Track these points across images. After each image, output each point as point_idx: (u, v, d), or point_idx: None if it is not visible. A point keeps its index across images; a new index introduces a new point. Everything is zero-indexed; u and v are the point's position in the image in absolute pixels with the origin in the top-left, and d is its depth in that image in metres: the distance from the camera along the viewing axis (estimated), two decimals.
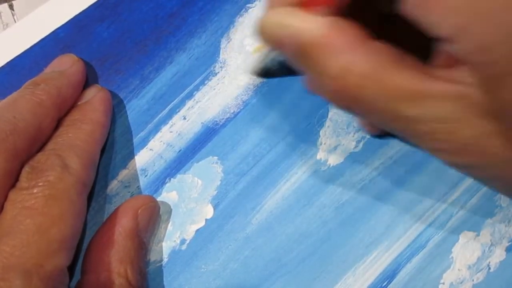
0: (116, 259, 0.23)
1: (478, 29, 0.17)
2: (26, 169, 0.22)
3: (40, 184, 0.21)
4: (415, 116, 0.19)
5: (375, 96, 0.20)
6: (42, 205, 0.21)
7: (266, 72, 0.27)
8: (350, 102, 0.20)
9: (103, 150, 0.26)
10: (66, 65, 0.25)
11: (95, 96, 0.25)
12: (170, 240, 0.25)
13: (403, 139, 0.22)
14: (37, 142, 0.23)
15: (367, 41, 0.20)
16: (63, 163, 0.22)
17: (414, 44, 0.20)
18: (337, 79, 0.20)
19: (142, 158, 0.26)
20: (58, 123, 0.24)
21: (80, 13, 0.27)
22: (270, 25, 0.22)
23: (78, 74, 0.25)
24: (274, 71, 0.26)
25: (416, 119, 0.19)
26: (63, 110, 0.24)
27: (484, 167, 0.20)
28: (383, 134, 0.26)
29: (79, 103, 0.25)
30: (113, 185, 0.26)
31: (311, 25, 0.20)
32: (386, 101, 0.20)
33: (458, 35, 0.17)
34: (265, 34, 0.22)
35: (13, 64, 0.26)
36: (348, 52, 0.20)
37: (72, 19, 0.27)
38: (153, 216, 0.25)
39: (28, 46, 0.27)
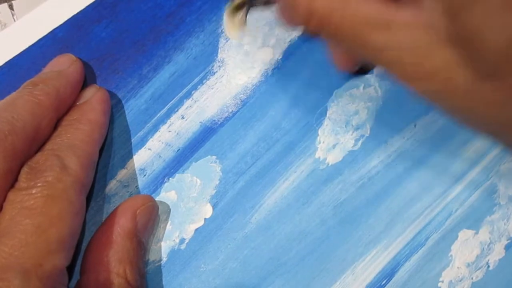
0: (115, 259, 0.23)
1: None
2: (25, 169, 0.22)
3: (39, 184, 0.21)
4: (382, 43, 0.20)
5: (342, 22, 0.20)
6: (41, 205, 0.21)
7: (241, 6, 0.27)
8: (320, 28, 0.21)
9: (101, 150, 0.26)
10: (65, 65, 0.25)
11: (93, 96, 0.25)
12: (169, 239, 0.25)
13: (376, 69, 0.23)
14: (35, 142, 0.23)
15: None
16: (61, 163, 0.22)
17: None
18: (306, 3, 0.20)
19: (140, 158, 0.26)
20: (56, 123, 0.24)
21: (78, 13, 0.27)
22: None
23: (76, 74, 0.25)
24: (249, 3, 0.26)
25: (384, 46, 0.20)
26: (62, 110, 0.24)
27: (450, 95, 0.20)
28: (358, 70, 0.26)
29: (77, 103, 0.25)
30: (112, 185, 0.26)
31: None
32: (354, 28, 0.20)
33: None
34: None
35: (11, 64, 0.26)
36: None
37: (70, 19, 0.27)
38: (152, 216, 0.25)
39: (26, 46, 0.26)
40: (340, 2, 0.20)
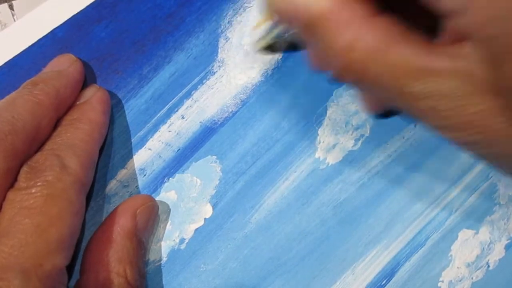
0: (115, 259, 0.23)
1: (483, 3, 0.17)
2: (24, 169, 0.22)
3: (38, 184, 0.21)
4: (419, 92, 0.19)
5: (380, 71, 0.20)
6: (40, 205, 0.21)
7: (268, 48, 0.27)
8: (356, 77, 0.21)
9: (101, 150, 0.26)
10: (65, 65, 0.25)
11: (93, 96, 0.25)
12: (169, 239, 0.25)
13: (408, 116, 0.23)
14: (35, 142, 0.23)
15: (373, 16, 0.20)
16: (61, 163, 0.22)
17: (421, 20, 0.20)
18: (343, 53, 0.20)
19: (140, 158, 0.26)
20: (56, 123, 0.24)
21: (78, 13, 0.27)
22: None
23: (76, 74, 0.25)
24: (277, 47, 0.26)
25: (421, 95, 0.19)
26: (62, 110, 0.24)
27: (488, 143, 0.20)
28: (386, 113, 0.26)
29: (77, 102, 0.25)
30: (112, 185, 0.26)
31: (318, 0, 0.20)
32: (391, 77, 0.20)
33: (463, 9, 0.18)
34: (274, 5, 0.22)
35: (11, 64, 0.26)
36: (354, 27, 0.20)
37: (70, 19, 0.27)
38: (152, 216, 0.25)
39: (26, 46, 0.26)
40: (379, 50, 0.19)
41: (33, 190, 0.21)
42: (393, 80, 0.20)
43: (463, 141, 0.20)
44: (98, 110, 0.25)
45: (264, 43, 0.26)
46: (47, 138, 0.23)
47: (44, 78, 0.24)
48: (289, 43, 0.25)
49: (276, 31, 0.26)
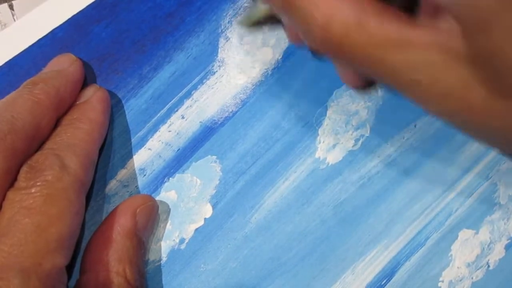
0: (115, 258, 0.23)
1: None
2: (24, 168, 0.22)
3: (38, 183, 0.21)
4: (399, 63, 0.20)
5: (360, 44, 0.20)
6: (40, 204, 0.21)
7: (254, 22, 0.26)
8: (336, 50, 0.21)
9: (101, 150, 0.26)
10: (65, 64, 0.25)
11: (93, 95, 0.25)
12: (169, 239, 0.25)
13: (388, 89, 0.23)
14: (35, 142, 0.23)
15: None
16: (61, 162, 0.22)
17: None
18: (321, 27, 0.20)
19: (140, 158, 0.26)
20: (56, 123, 0.24)
21: (78, 13, 0.27)
22: None
23: (76, 74, 0.25)
24: (262, 21, 0.26)
25: (401, 66, 0.20)
26: (62, 110, 0.24)
27: (468, 114, 0.20)
28: (366, 86, 0.26)
29: (77, 102, 0.25)
30: (112, 184, 0.26)
31: None
32: (370, 49, 0.20)
33: None
34: None
35: (11, 64, 0.26)
36: (330, 1, 0.20)
37: (70, 19, 0.27)
38: (151, 215, 0.25)
39: (26, 46, 0.26)
40: (357, 24, 0.20)
41: (33, 190, 0.21)
42: (372, 51, 0.20)
43: (442, 112, 0.21)
44: (98, 110, 0.25)
45: (249, 17, 0.26)
46: (47, 137, 0.23)
47: (44, 77, 0.24)
48: (271, 16, 0.25)
49: (258, 5, 0.25)
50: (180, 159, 0.26)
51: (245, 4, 0.27)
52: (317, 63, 0.27)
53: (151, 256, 0.25)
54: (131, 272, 0.23)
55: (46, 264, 0.20)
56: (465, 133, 0.22)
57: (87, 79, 0.26)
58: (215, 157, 0.26)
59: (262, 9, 0.25)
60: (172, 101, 0.27)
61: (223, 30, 0.27)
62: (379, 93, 0.27)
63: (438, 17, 0.19)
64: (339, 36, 0.20)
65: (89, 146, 0.24)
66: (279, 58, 0.27)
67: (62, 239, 0.21)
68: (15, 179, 0.22)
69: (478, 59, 0.18)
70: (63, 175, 0.22)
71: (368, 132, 0.26)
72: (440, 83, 0.19)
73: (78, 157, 0.23)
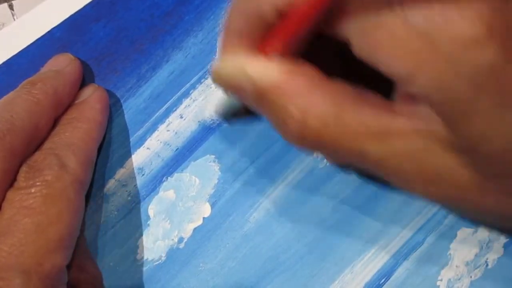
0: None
1: (433, 69, 0.17)
2: (23, 168, 0.22)
3: (37, 183, 0.21)
4: (380, 153, 0.19)
5: (338, 137, 0.19)
6: (40, 204, 0.21)
7: (231, 114, 0.26)
8: (315, 145, 0.20)
9: (100, 149, 0.26)
10: (63, 64, 0.25)
11: (92, 95, 0.25)
12: (168, 238, 0.25)
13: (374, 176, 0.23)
14: (34, 141, 0.23)
15: (324, 82, 0.20)
16: (60, 162, 0.22)
17: (375, 79, 0.19)
18: (297, 123, 0.20)
19: (139, 157, 0.26)
20: (55, 122, 0.24)
21: (76, 13, 0.27)
22: (225, 72, 0.22)
23: (74, 73, 0.25)
24: (238, 113, 0.26)
25: (382, 156, 0.19)
26: (60, 109, 0.24)
27: (458, 197, 0.20)
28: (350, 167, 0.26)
29: (76, 102, 0.25)
30: (110, 184, 0.26)
31: (265, 71, 0.20)
32: (350, 141, 0.19)
33: (413, 75, 0.17)
34: (221, 81, 0.22)
35: (9, 63, 0.26)
36: (305, 96, 0.19)
37: (68, 18, 0.27)
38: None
39: (24, 46, 0.27)
40: (334, 116, 0.19)
41: (33, 190, 0.21)
42: (351, 144, 0.19)
43: (435, 197, 0.21)
44: (97, 109, 0.25)
45: (225, 109, 0.26)
46: (46, 137, 0.23)
47: (43, 77, 0.24)
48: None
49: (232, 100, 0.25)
50: (179, 159, 0.26)
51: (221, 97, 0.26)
52: None
53: (150, 256, 0.25)
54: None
55: (47, 264, 0.20)
56: (462, 215, 0.22)
57: (85, 78, 0.26)
58: (213, 156, 0.26)
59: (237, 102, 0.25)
60: (170, 101, 0.27)
61: (222, 29, 0.27)
62: None
63: (415, 101, 0.18)
64: (317, 130, 0.20)
65: (88, 145, 0.24)
66: None
67: (62, 239, 0.21)
68: (14, 179, 0.22)
69: (461, 146, 0.18)
70: (62, 175, 0.22)
71: None
72: (426, 170, 0.19)
73: (77, 157, 0.23)
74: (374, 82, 0.20)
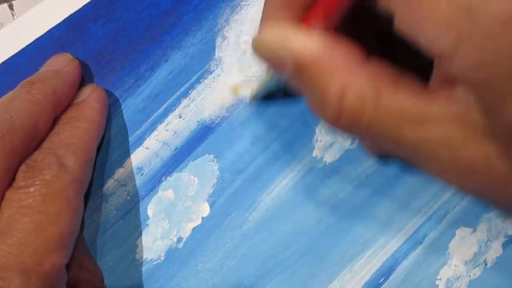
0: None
1: (473, 46, 0.16)
2: (22, 168, 0.22)
3: (37, 183, 0.21)
4: (416, 139, 0.19)
5: (373, 118, 0.19)
6: (39, 203, 0.21)
7: (266, 96, 0.26)
8: (349, 124, 0.20)
9: (99, 149, 0.26)
10: (62, 64, 0.25)
11: (90, 94, 0.25)
12: (167, 238, 0.25)
13: (407, 163, 0.22)
14: (33, 141, 0.23)
15: (364, 61, 0.19)
16: (59, 161, 0.22)
17: (414, 60, 0.19)
18: (335, 100, 0.19)
19: (138, 157, 0.26)
20: (54, 122, 0.24)
21: (75, 12, 0.27)
22: (266, 44, 0.21)
23: (73, 73, 0.25)
24: (275, 93, 0.26)
25: (418, 141, 0.19)
26: (59, 109, 0.24)
27: (491, 189, 0.19)
28: (386, 156, 0.26)
29: (75, 101, 0.25)
30: (110, 184, 0.26)
31: (307, 45, 0.20)
32: (384, 124, 0.19)
33: (454, 52, 0.17)
34: (262, 53, 0.22)
35: (8, 63, 0.26)
36: (345, 73, 0.19)
37: (67, 18, 0.27)
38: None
39: (23, 46, 0.27)
40: (372, 97, 0.19)
41: (32, 189, 0.21)
42: (387, 127, 0.19)
43: (468, 187, 0.20)
44: (96, 109, 0.25)
45: (261, 91, 0.26)
46: (45, 137, 0.23)
47: (41, 77, 0.24)
48: (286, 88, 0.25)
49: (270, 78, 0.25)
50: (178, 158, 0.26)
51: (256, 77, 0.26)
52: None
53: (149, 255, 0.25)
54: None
55: (46, 264, 0.20)
56: (493, 206, 0.21)
57: (84, 78, 0.26)
58: (212, 156, 0.26)
59: (273, 80, 0.25)
60: (169, 100, 0.27)
61: (220, 29, 0.27)
62: None
63: (453, 85, 0.18)
64: (354, 110, 0.19)
65: (87, 145, 0.24)
66: None
67: (62, 238, 0.21)
68: (13, 178, 0.22)
69: (499, 133, 0.17)
70: (61, 174, 0.22)
71: None
72: (461, 158, 0.18)
73: (76, 156, 0.23)
74: (411, 63, 0.19)
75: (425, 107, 0.19)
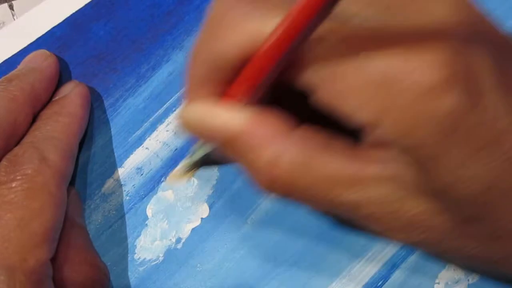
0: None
1: (395, 117, 0.17)
2: (3, 163, 0.22)
3: (18, 177, 0.21)
4: (351, 202, 0.19)
5: (307, 185, 0.19)
6: (21, 199, 0.21)
7: (199, 165, 0.26)
8: (285, 193, 0.20)
9: (98, 149, 0.26)
10: (39, 60, 0.25)
11: (72, 90, 0.25)
12: (166, 239, 0.25)
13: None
14: (13, 138, 0.23)
15: (293, 129, 0.19)
16: (40, 155, 0.22)
17: (342, 125, 0.19)
18: (266, 170, 0.19)
19: (138, 157, 0.26)
20: (35, 118, 0.24)
21: (76, 12, 0.27)
22: (192, 120, 0.21)
23: (51, 69, 0.25)
24: (208, 162, 0.26)
25: (354, 203, 0.19)
26: (38, 105, 0.24)
27: (435, 242, 0.19)
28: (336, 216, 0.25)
29: (56, 98, 0.25)
30: (109, 183, 0.26)
31: (231, 121, 0.20)
32: (320, 189, 0.19)
33: (377, 123, 0.17)
34: (189, 129, 0.22)
35: (9, 62, 0.26)
36: (273, 144, 0.19)
37: (68, 17, 0.27)
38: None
39: (24, 45, 0.27)
40: (303, 164, 0.19)
41: (13, 184, 0.21)
42: (321, 192, 0.19)
43: (409, 242, 0.20)
44: (77, 104, 0.25)
45: (192, 163, 0.25)
46: (26, 133, 0.23)
47: (19, 74, 0.24)
48: (219, 158, 0.25)
49: (202, 149, 0.24)
50: (178, 159, 0.26)
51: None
52: None
53: (148, 256, 0.25)
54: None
55: (31, 259, 0.20)
56: (439, 257, 0.21)
57: (85, 78, 0.26)
58: None
59: (199, 152, 0.24)
60: (170, 101, 0.27)
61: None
62: None
63: (384, 147, 0.18)
64: (286, 179, 0.19)
65: (69, 138, 0.24)
66: None
67: (46, 233, 0.21)
68: None
69: (433, 190, 0.18)
70: (43, 168, 0.22)
71: None
72: (401, 217, 0.19)
73: (58, 149, 0.23)
74: (340, 127, 0.19)
75: (358, 170, 0.18)
